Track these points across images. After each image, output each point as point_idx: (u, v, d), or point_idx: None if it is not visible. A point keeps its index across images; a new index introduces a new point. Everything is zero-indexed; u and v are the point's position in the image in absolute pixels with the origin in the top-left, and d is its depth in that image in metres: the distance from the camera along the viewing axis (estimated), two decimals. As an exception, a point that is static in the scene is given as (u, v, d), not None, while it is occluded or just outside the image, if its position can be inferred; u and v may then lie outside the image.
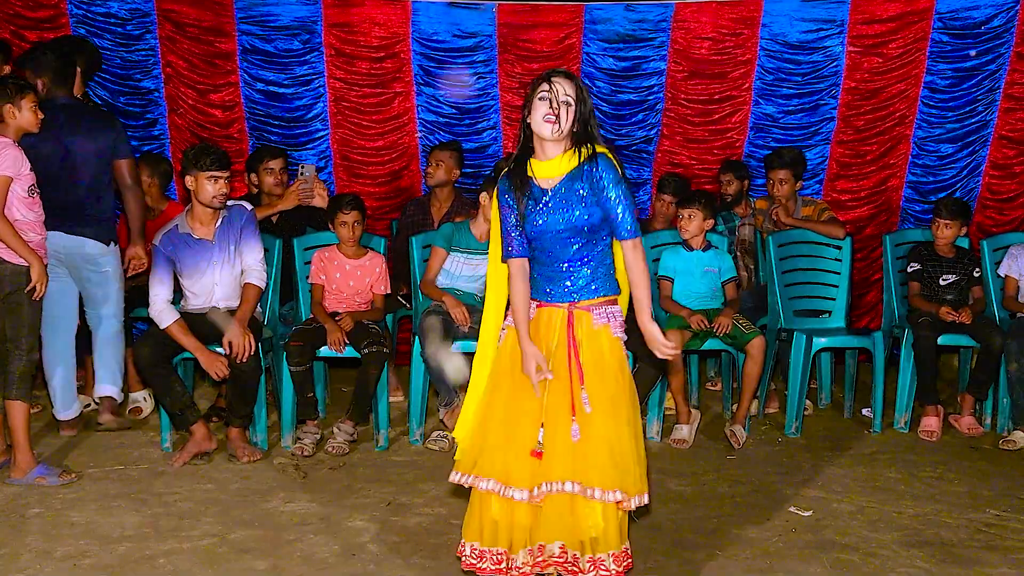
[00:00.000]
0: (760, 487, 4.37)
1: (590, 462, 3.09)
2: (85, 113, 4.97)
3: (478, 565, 3.18)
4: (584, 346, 3.19)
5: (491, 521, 3.17)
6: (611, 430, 3.12)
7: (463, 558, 3.21)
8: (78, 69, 5.05)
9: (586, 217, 3.17)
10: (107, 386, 5.02)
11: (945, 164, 6.40)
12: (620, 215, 3.17)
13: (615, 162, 3.20)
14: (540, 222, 3.20)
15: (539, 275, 3.29)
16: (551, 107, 3.08)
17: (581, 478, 3.07)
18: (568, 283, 3.24)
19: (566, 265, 3.23)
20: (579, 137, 3.16)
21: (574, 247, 3.21)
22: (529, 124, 3.16)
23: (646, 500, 3.15)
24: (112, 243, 4.93)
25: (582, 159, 3.16)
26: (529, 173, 3.22)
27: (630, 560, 3.18)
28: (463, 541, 3.22)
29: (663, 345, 3.20)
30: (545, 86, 3.11)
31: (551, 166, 3.20)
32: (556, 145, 3.16)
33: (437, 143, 6.16)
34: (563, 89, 3.11)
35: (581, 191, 3.17)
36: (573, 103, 3.12)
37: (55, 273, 4.68)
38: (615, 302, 3.29)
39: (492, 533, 3.17)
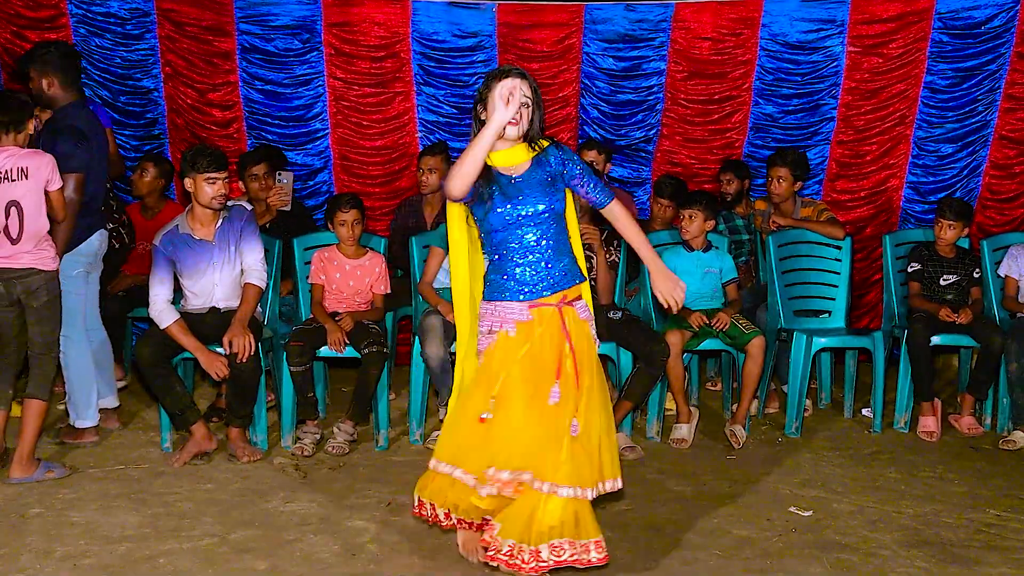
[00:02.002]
0: (760, 487, 4.37)
1: (581, 460, 3.19)
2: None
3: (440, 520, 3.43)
4: (574, 340, 3.27)
5: (454, 501, 3.36)
6: (592, 425, 3.23)
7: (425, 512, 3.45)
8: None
9: (558, 202, 3.29)
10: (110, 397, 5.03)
11: (945, 164, 6.40)
12: (592, 186, 3.32)
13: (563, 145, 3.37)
14: (514, 209, 3.23)
15: (515, 268, 3.28)
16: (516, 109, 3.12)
17: (574, 481, 3.16)
18: (553, 270, 3.29)
19: (548, 253, 3.27)
20: (531, 132, 3.26)
21: (552, 233, 3.28)
22: (483, 120, 3.22)
23: (619, 484, 3.29)
24: None
25: (537, 151, 3.26)
26: (488, 163, 3.23)
27: (605, 555, 3.19)
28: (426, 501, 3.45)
29: (676, 288, 3.32)
30: (508, 82, 3.17)
31: (513, 155, 3.26)
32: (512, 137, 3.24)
33: (424, 147, 6.03)
34: (523, 91, 3.18)
35: (548, 178, 3.28)
36: (531, 104, 3.21)
37: (92, 276, 4.75)
38: (582, 296, 3.40)
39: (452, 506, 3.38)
